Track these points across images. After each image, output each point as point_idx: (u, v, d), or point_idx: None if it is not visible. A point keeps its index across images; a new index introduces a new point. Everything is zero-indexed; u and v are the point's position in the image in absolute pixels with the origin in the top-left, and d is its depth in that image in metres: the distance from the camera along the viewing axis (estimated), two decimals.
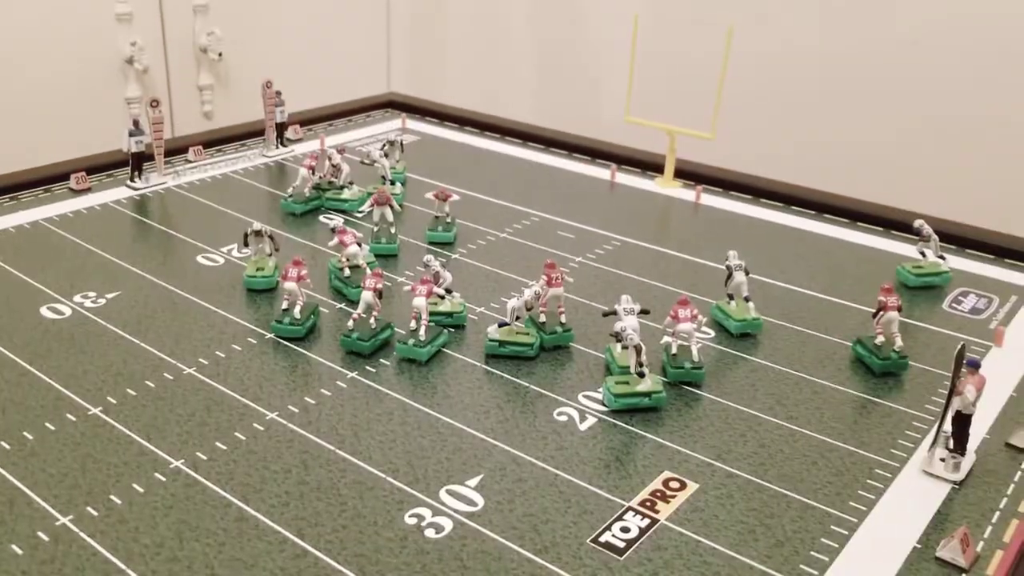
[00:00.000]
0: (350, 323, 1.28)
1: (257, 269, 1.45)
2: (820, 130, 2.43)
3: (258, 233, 1.46)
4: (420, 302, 1.27)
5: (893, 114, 2.34)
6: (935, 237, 1.55)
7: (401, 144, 1.95)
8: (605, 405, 1.17)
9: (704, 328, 1.36)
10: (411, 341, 1.26)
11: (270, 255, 1.48)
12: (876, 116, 2.36)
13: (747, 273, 1.37)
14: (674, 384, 1.23)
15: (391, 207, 1.59)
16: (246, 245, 1.49)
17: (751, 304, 1.36)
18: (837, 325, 1.40)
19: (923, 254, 1.56)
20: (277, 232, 1.53)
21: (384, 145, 1.89)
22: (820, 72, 2.41)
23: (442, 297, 1.34)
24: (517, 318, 1.29)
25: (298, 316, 1.30)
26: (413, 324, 1.27)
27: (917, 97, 2.30)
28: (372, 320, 1.28)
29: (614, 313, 1.23)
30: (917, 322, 1.41)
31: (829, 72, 2.40)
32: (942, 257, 1.55)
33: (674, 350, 1.24)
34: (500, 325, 1.29)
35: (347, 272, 1.44)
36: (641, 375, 1.16)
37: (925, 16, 2.27)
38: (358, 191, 1.78)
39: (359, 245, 1.45)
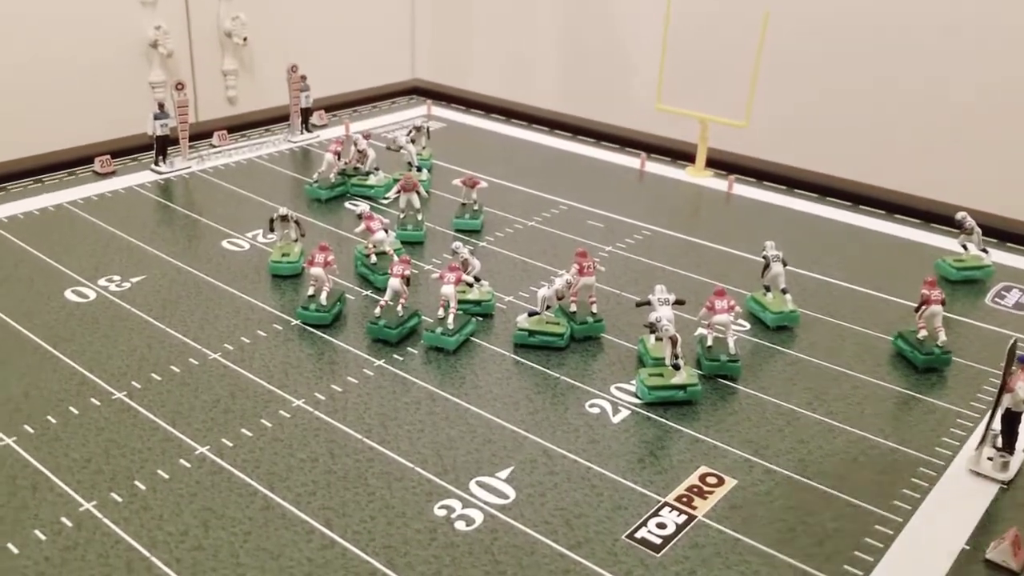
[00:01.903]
0: (377, 310, 1.26)
1: (283, 255, 1.43)
2: (857, 119, 2.38)
3: (284, 218, 1.44)
4: (448, 290, 1.24)
5: (934, 103, 2.28)
6: (978, 230, 1.51)
7: (427, 130, 1.92)
8: (638, 397, 1.14)
9: (739, 320, 1.33)
10: (439, 329, 1.23)
11: (296, 240, 1.45)
12: (916, 105, 2.31)
13: (785, 264, 1.34)
14: (709, 377, 1.19)
15: (418, 194, 1.56)
16: (272, 230, 1.47)
17: (788, 296, 1.33)
18: (876, 319, 1.36)
19: (965, 247, 1.51)
20: (303, 218, 1.51)
21: (410, 131, 1.86)
22: (858, 59, 2.36)
23: (470, 285, 1.32)
24: (547, 308, 1.26)
25: (324, 303, 1.28)
26: (441, 312, 1.25)
27: (959, 86, 2.24)
28: (399, 307, 1.26)
29: (648, 303, 1.20)
30: (959, 317, 1.37)
31: (867, 59, 2.35)
32: (984, 251, 1.50)
33: (709, 342, 1.21)
34: (530, 314, 1.26)
35: (373, 259, 1.41)
36: (676, 367, 1.13)
37: (967, 1, 2.21)
38: (383, 177, 1.76)
39: (385, 231, 1.42)
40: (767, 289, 1.35)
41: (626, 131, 2.13)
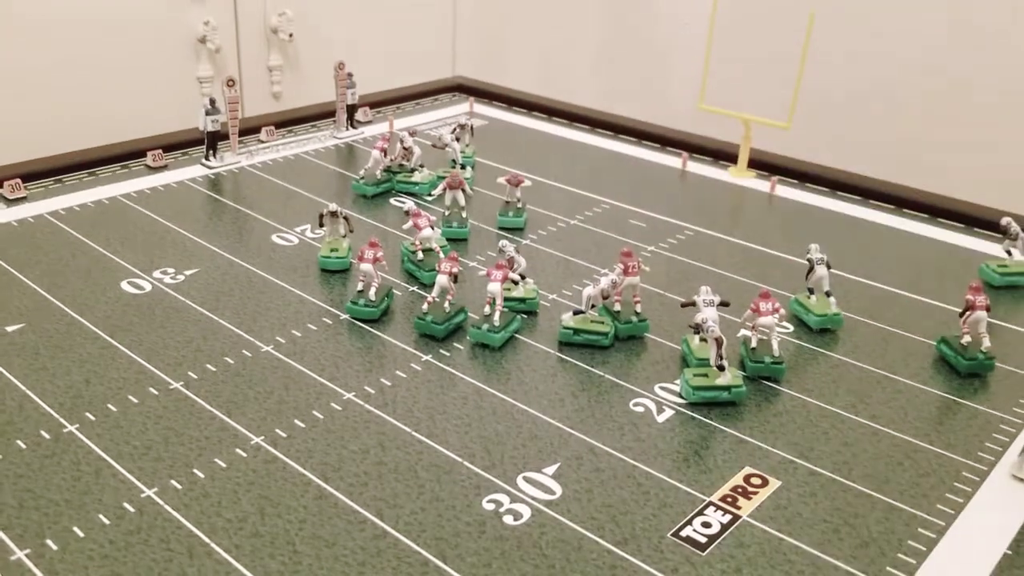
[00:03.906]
0: (424, 306, 1.28)
1: (331, 250, 1.45)
2: (901, 122, 2.37)
3: (333, 214, 1.47)
4: (495, 287, 1.26)
5: (979, 107, 2.27)
6: (1023, 236, 1.50)
7: (471, 128, 1.94)
8: (682, 397, 1.16)
9: (783, 323, 1.34)
10: (484, 326, 1.25)
11: (344, 236, 1.48)
12: (961, 108, 2.29)
13: (829, 267, 1.34)
14: (753, 379, 1.20)
15: (463, 191, 1.58)
16: (321, 225, 1.49)
17: (832, 299, 1.34)
18: (919, 323, 1.36)
19: (1009, 252, 1.51)
20: (351, 214, 1.54)
21: (455, 128, 1.88)
22: (903, 63, 2.35)
23: (516, 283, 1.34)
24: (592, 306, 1.28)
25: (373, 298, 1.30)
26: (487, 309, 1.27)
27: (1004, 92, 2.22)
28: (446, 304, 1.28)
29: (692, 304, 1.22)
30: (1002, 322, 1.37)
31: (912, 63, 2.33)
32: None
33: (754, 344, 1.22)
34: (575, 313, 1.28)
35: (420, 255, 1.44)
36: (721, 368, 1.15)
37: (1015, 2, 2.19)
38: (428, 174, 1.78)
39: (432, 228, 1.45)
40: (811, 292, 1.35)
41: (668, 131, 2.13)
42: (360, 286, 1.32)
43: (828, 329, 1.33)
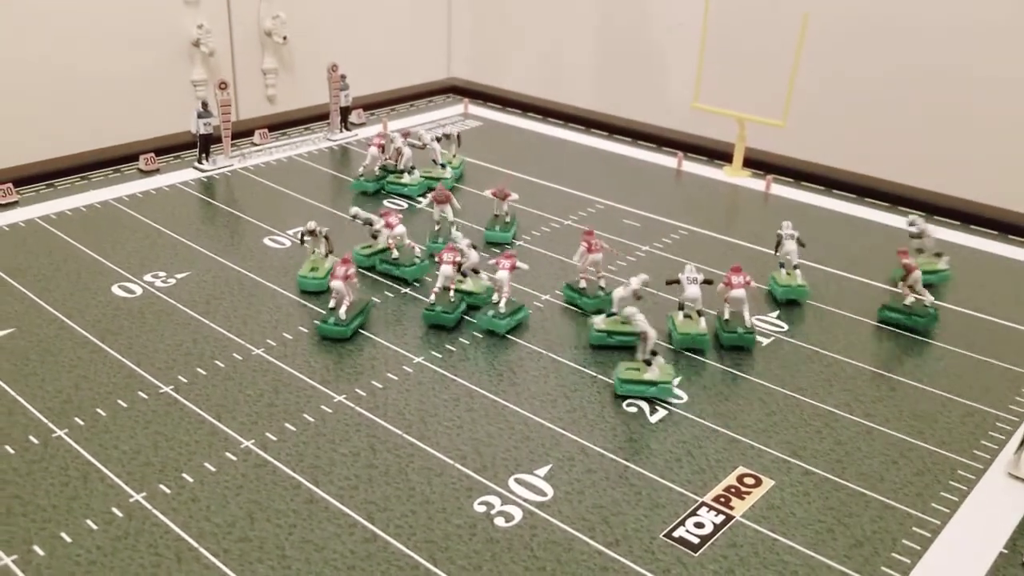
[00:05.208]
0: (431, 297, 1.30)
1: (311, 269, 1.40)
2: (897, 120, 2.36)
3: (312, 233, 1.41)
4: (503, 275, 1.29)
5: (975, 105, 2.26)
6: (932, 234, 1.50)
7: (458, 137, 1.89)
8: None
9: (778, 321, 1.34)
10: (491, 312, 1.27)
11: (326, 256, 1.43)
12: (957, 106, 2.28)
13: (801, 244, 1.41)
14: (728, 348, 1.24)
15: (451, 206, 1.55)
16: (302, 243, 1.43)
17: (799, 271, 1.40)
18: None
19: (919, 251, 1.49)
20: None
21: (439, 137, 1.84)
22: (898, 60, 2.34)
23: (465, 276, 1.35)
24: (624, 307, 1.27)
25: (343, 316, 1.25)
26: (496, 297, 1.29)
27: (1001, 89, 2.22)
28: (451, 294, 1.29)
29: (677, 282, 1.28)
30: (1001, 320, 1.36)
31: (908, 60, 2.32)
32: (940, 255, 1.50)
33: (726, 315, 1.27)
34: (607, 315, 1.27)
35: (396, 253, 1.43)
36: (648, 363, 1.16)
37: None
38: (419, 176, 1.77)
39: (402, 224, 1.45)
40: (781, 265, 1.42)
41: (663, 130, 2.13)
42: (332, 303, 1.28)
43: (794, 300, 1.39)
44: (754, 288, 1.28)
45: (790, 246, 1.41)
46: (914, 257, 1.44)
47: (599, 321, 1.26)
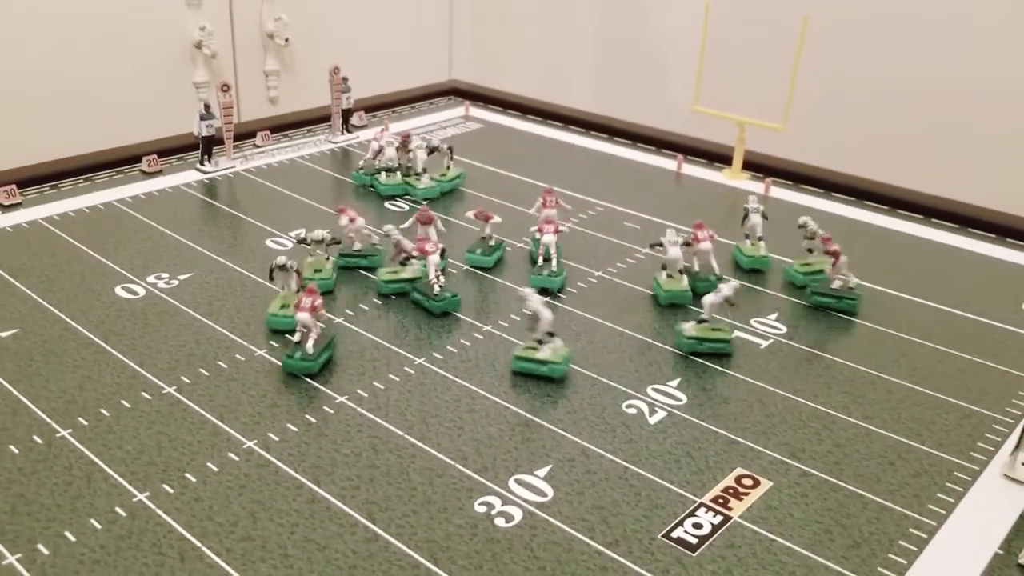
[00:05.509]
0: (436, 288, 1.33)
1: (282, 307, 1.30)
2: (896, 123, 2.37)
3: (283, 268, 1.31)
4: (550, 239, 1.43)
5: (974, 108, 2.27)
6: (820, 233, 1.48)
7: (450, 151, 1.83)
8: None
9: (775, 323, 1.35)
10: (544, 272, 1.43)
11: (297, 292, 1.30)
12: (956, 109, 2.29)
13: (765, 217, 1.52)
14: (700, 295, 1.31)
15: (435, 227, 1.49)
16: (271, 279, 1.33)
17: (763, 243, 1.50)
18: (911, 322, 1.36)
19: (810, 251, 1.49)
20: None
21: (431, 151, 1.81)
22: (898, 64, 2.35)
23: (404, 264, 1.39)
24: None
25: (311, 351, 1.18)
26: (541, 260, 1.44)
27: (1000, 92, 2.23)
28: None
29: (660, 244, 1.40)
30: (995, 322, 1.37)
31: (907, 64, 2.33)
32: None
33: (696, 267, 1.40)
34: (699, 322, 1.27)
35: (357, 245, 1.46)
36: (540, 342, 1.20)
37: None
38: (428, 179, 1.78)
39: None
40: (747, 236, 1.52)
41: (663, 133, 2.14)
42: (297, 337, 1.19)
43: (758, 270, 1.50)
44: (716, 241, 1.44)
45: (756, 219, 1.51)
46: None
47: (689, 328, 1.26)
